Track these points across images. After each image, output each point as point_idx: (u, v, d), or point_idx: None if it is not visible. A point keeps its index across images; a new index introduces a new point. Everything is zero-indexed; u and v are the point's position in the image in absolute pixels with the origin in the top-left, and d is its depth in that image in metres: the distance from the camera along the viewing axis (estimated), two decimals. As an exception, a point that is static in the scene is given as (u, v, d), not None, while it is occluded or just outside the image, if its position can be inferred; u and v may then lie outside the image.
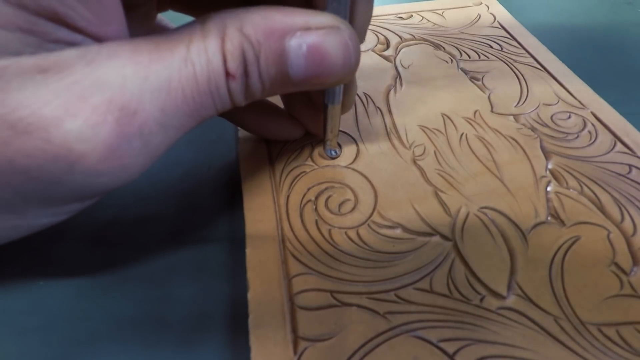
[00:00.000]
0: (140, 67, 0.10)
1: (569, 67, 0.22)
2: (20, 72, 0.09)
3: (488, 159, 0.17)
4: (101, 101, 0.09)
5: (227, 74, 0.11)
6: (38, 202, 0.10)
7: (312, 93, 0.16)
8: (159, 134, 0.11)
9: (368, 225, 0.14)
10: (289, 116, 0.17)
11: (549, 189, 0.16)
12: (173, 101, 0.10)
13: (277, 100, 0.18)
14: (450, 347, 0.12)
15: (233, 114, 0.16)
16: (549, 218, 0.15)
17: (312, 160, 0.17)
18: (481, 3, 0.27)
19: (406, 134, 0.18)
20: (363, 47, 0.23)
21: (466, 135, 0.18)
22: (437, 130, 0.18)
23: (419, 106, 0.19)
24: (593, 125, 0.18)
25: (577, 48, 0.26)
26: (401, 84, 0.20)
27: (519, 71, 0.21)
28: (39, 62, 0.09)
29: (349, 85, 0.15)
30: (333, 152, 0.17)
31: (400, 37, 0.24)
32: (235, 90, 0.11)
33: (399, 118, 0.19)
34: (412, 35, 0.24)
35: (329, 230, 0.14)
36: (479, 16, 0.25)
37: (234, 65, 0.11)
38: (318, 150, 0.17)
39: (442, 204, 0.15)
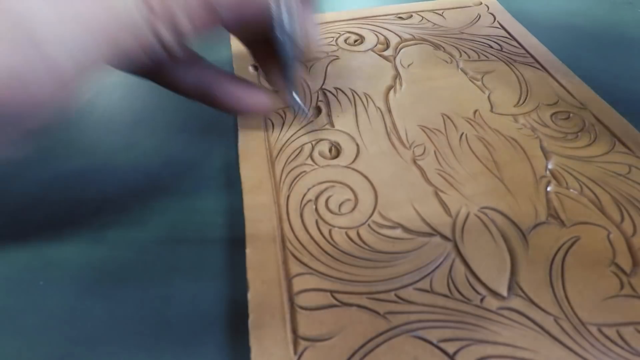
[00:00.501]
0: None
1: (569, 67, 0.22)
2: None
3: (488, 159, 0.17)
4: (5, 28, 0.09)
5: (148, 6, 0.10)
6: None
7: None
8: (56, 45, 0.10)
9: (368, 225, 0.14)
10: (257, 86, 0.16)
11: (549, 189, 0.16)
12: (75, 13, 0.10)
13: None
14: (450, 348, 0.12)
15: (208, 93, 0.15)
16: (549, 218, 0.15)
17: (312, 160, 0.17)
18: (481, 3, 0.27)
19: (406, 134, 0.18)
20: (363, 47, 0.23)
21: (466, 135, 0.18)
22: (437, 130, 0.18)
23: (419, 106, 0.19)
24: (593, 125, 0.18)
25: (577, 48, 0.26)
26: (401, 84, 0.20)
27: (518, 71, 0.21)
28: None
29: (308, 28, 0.14)
30: (301, 110, 0.16)
31: (400, 37, 0.24)
32: (160, 27, 0.11)
33: (399, 118, 0.19)
34: (412, 35, 0.24)
35: (329, 231, 0.14)
36: (479, 16, 0.25)
37: None
38: (319, 149, 0.17)
39: (442, 204, 0.15)
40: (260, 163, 0.17)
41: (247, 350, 0.12)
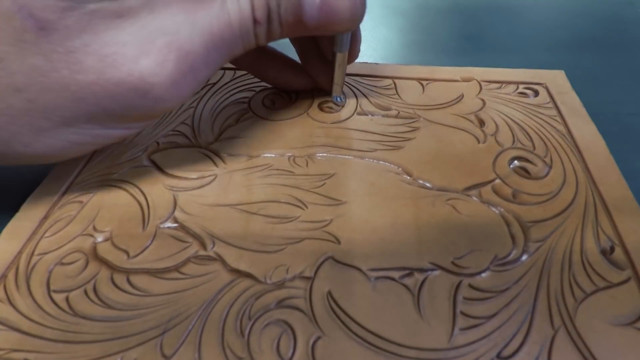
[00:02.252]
0: (189, 14, 0.13)
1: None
2: (104, 15, 0.12)
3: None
4: (163, 44, 0.12)
5: (255, 21, 0.14)
6: (117, 118, 0.13)
7: (324, 49, 0.18)
8: (204, 69, 0.13)
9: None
10: (303, 70, 0.19)
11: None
12: (214, 43, 0.13)
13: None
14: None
15: (258, 69, 0.19)
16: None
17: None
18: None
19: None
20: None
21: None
22: None
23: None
24: None
25: (577, 48, 0.26)
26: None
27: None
28: (116, 8, 0.12)
29: (355, 36, 0.17)
30: (339, 99, 0.19)
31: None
32: (260, 33, 0.14)
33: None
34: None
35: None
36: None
37: (260, 14, 0.14)
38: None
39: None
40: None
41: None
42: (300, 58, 0.19)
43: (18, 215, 0.15)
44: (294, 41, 0.18)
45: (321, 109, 0.19)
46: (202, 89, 0.20)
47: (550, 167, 0.16)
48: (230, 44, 0.14)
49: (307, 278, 0.13)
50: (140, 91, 0.12)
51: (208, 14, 0.13)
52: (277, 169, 0.16)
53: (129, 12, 0.12)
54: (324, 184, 0.16)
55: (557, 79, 0.21)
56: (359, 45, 0.18)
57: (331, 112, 0.19)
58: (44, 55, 0.11)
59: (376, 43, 0.27)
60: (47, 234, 0.14)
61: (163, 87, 0.13)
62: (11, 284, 0.13)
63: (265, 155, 0.17)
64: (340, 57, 0.17)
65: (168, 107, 0.13)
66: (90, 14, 0.11)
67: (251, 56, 0.18)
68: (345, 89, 0.20)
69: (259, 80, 0.21)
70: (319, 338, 0.12)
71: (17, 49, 0.11)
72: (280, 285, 0.13)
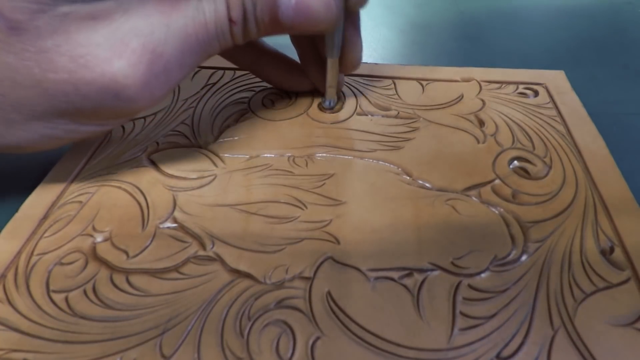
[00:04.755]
0: (163, 15, 0.13)
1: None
2: (77, 18, 0.12)
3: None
4: (137, 45, 0.12)
5: (230, 20, 0.14)
6: (89, 116, 0.13)
7: (321, 52, 0.18)
8: (178, 70, 0.13)
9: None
10: (304, 71, 0.19)
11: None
12: (189, 44, 0.13)
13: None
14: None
15: (259, 69, 0.19)
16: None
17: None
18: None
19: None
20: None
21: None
22: None
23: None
24: None
25: (577, 48, 0.26)
26: None
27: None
28: (89, 11, 0.12)
29: (352, 44, 0.17)
30: (328, 103, 0.19)
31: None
32: (236, 33, 0.14)
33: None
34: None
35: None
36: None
37: (235, 14, 0.14)
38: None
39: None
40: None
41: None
42: (300, 59, 0.19)
43: (17, 215, 0.15)
44: (295, 43, 0.18)
45: (321, 109, 0.19)
46: (201, 88, 0.20)
47: (550, 167, 0.16)
48: (206, 45, 0.14)
49: (307, 278, 0.13)
50: (112, 92, 0.12)
51: (183, 15, 0.13)
52: (277, 169, 0.16)
53: (103, 14, 0.12)
54: (324, 184, 0.16)
55: (557, 79, 0.21)
56: (358, 54, 0.17)
57: (331, 113, 0.19)
58: (15, 53, 0.12)
59: (376, 43, 0.27)
60: (46, 234, 0.14)
61: (135, 89, 0.13)
62: (10, 284, 0.13)
63: (265, 155, 0.17)
64: (330, 62, 0.17)
65: (140, 107, 0.13)
66: (62, 16, 0.12)
67: (252, 56, 0.18)
68: (345, 89, 0.20)
69: (259, 80, 0.21)
70: (318, 338, 0.12)
71: None
72: (279, 285, 0.13)
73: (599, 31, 0.28)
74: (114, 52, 0.12)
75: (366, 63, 0.22)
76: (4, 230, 0.14)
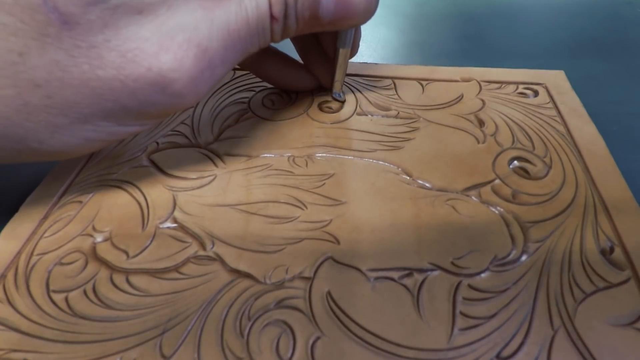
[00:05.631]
0: (207, 11, 0.13)
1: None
2: (126, 11, 0.12)
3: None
4: (183, 40, 0.12)
5: (272, 17, 0.14)
6: (134, 115, 0.13)
7: (325, 46, 0.18)
8: (221, 66, 0.14)
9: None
10: (305, 69, 0.19)
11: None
12: (231, 41, 0.13)
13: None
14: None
15: (259, 68, 0.19)
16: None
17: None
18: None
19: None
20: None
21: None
22: None
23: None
24: None
25: (577, 48, 0.26)
26: None
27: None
28: (135, 4, 0.12)
29: (356, 31, 0.17)
30: (339, 95, 0.19)
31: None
32: (276, 30, 0.14)
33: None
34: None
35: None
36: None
37: (277, 10, 0.14)
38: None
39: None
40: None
41: None
42: (300, 56, 0.19)
43: (17, 215, 0.15)
44: (294, 38, 0.18)
45: (321, 109, 0.19)
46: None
47: (550, 167, 0.16)
48: (247, 41, 0.14)
49: (307, 278, 0.13)
50: (159, 87, 0.12)
51: (226, 11, 0.13)
52: (277, 169, 0.16)
53: (148, 8, 0.12)
54: (324, 184, 0.16)
55: (556, 79, 0.21)
56: (359, 40, 0.18)
57: (331, 112, 0.19)
58: (66, 50, 0.11)
59: (376, 43, 0.27)
60: (46, 234, 0.14)
61: (182, 83, 0.13)
62: (10, 284, 0.13)
63: (265, 155, 0.17)
64: (343, 53, 0.17)
65: (185, 103, 0.13)
66: (112, 9, 0.11)
67: (252, 55, 0.18)
68: (345, 89, 0.20)
69: (259, 80, 0.21)
70: (318, 338, 0.12)
71: (40, 43, 0.11)
72: (279, 285, 0.13)
73: (599, 31, 0.28)
74: (160, 46, 0.12)
75: (366, 63, 0.22)
76: (4, 230, 0.14)
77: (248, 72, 0.21)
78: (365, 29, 0.28)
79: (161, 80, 0.12)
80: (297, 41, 0.19)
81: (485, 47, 0.26)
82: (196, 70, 0.13)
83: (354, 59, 0.24)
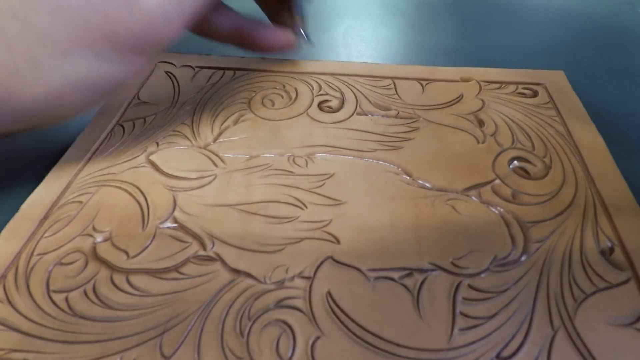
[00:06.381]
0: None
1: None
2: None
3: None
4: None
5: None
6: (111, 46, 0.13)
7: None
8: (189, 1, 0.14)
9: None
10: (274, 27, 0.20)
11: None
12: None
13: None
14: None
15: (241, 36, 0.19)
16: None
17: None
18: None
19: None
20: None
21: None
22: None
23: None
24: None
25: (577, 48, 0.26)
26: None
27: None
28: None
29: None
30: (307, 38, 0.20)
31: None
32: None
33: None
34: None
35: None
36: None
37: None
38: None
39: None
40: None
41: None
42: (266, 13, 0.20)
43: (17, 215, 0.15)
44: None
45: (321, 109, 0.19)
46: (201, 89, 0.20)
47: (550, 167, 0.16)
48: None
49: (307, 278, 0.13)
50: (127, 6, 0.13)
51: None
52: (277, 169, 0.16)
53: None
54: (324, 184, 0.16)
55: (556, 79, 0.21)
56: None
57: (331, 112, 0.19)
58: None
59: (376, 43, 0.27)
60: (46, 234, 0.14)
61: (146, 4, 0.13)
62: (10, 284, 0.13)
63: (265, 155, 0.17)
64: None
65: (159, 27, 0.14)
66: None
67: (230, 23, 0.19)
68: (345, 88, 0.20)
69: (259, 80, 0.21)
70: (318, 338, 0.12)
71: None
72: (279, 285, 0.13)
73: (599, 31, 0.28)
74: None
75: (366, 63, 0.22)
76: (4, 230, 0.14)
77: (247, 71, 0.21)
78: (366, 29, 0.28)
79: (128, 1, 0.13)
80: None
81: (484, 47, 0.26)
82: None
83: (355, 59, 0.24)
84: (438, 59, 0.25)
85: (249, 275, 0.13)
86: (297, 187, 0.16)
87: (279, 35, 0.19)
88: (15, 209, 0.15)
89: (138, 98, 0.20)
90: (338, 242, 0.14)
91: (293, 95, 0.20)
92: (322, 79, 0.21)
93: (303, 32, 0.20)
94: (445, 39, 0.27)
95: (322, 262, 0.13)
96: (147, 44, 0.14)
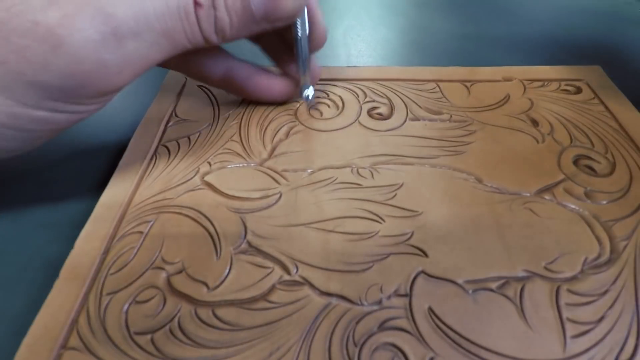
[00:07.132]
0: None
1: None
2: None
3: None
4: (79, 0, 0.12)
5: (195, 3, 0.13)
6: (32, 86, 0.12)
7: (290, 41, 0.17)
8: (133, 39, 0.12)
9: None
10: (277, 77, 0.18)
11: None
12: (145, 15, 0.12)
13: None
14: None
15: (233, 82, 0.18)
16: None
17: None
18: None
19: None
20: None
21: None
22: None
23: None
24: None
25: (576, 48, 0.26)
26: None
27: None
28: None
29: (313, 21, 0.17)
30: (307, 97, 0.18)
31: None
32: (204, 20, 0.13)
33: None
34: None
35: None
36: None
37: None
38: None
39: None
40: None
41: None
42: (273, 59, 0.19)
43: (74, 252, 0.13)
44: (263, 42, 0.18)
45: (371, 116, 0.19)
46: (241, 101, 0.19)
47: (614, 163, 0.16)
48: (167, 24, 0.13)
49: (404, 296, 0.12)
50: (49, 45, 0.11)
51: None
52: (343, 182, 0.16)
53: None
54: (395, 194, 0.15)
55: (595, 75, 0.21)
56: (322, 28, 0.17)
57: (381, 119, 0.19)
58: None
59: (376, 43, 0.27)
60: (111, 271, 0.13)
61: (76, 44, 0.11)
62: (85, 330, 0.12)
63: (327, 168, 0.16)
64: (301, 41, 0.17)
65: (87, 71, 0.12)
66: None
67: (224, 67, 0.17)
68: (391, 94, 0.20)
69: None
70: (432, 359, 0.11)
71: None
72: (378, 305, 0.12)
73: (598, 31, 0.28)
74: (51, 1, 0.11)
75: (405, 67, 0.21)
76: (63, 271, 0.13)
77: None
78: (365, 29, 0.28)
79: (49, 37, 0.11)
80: (265, 43, 0.18)
81: (485, 47, 0.26)
82: (94, 33, 0.12)
83: (355, 59, 0.24)
84: (438, 59, 0.25)
85: (342, 297, 0.12)
86: (369, 200, 0.15)
87: (274, 85, 0.18)
88: (69, 245, 0.14)
89: (176, 115, 0.19)
90: (426, 255, 0.13)
91: (340, 103, 0.19)
92: (364, 85, 0.20)
93: (305, 86, 0.18)
94: (445, 39, 0.27)
95: (415, 278, 0.13)
96: (82, 93, 0.12)
